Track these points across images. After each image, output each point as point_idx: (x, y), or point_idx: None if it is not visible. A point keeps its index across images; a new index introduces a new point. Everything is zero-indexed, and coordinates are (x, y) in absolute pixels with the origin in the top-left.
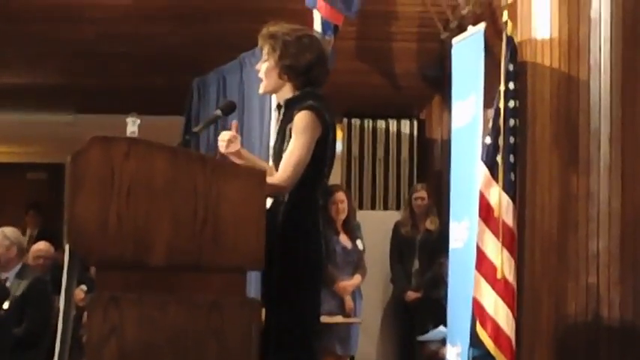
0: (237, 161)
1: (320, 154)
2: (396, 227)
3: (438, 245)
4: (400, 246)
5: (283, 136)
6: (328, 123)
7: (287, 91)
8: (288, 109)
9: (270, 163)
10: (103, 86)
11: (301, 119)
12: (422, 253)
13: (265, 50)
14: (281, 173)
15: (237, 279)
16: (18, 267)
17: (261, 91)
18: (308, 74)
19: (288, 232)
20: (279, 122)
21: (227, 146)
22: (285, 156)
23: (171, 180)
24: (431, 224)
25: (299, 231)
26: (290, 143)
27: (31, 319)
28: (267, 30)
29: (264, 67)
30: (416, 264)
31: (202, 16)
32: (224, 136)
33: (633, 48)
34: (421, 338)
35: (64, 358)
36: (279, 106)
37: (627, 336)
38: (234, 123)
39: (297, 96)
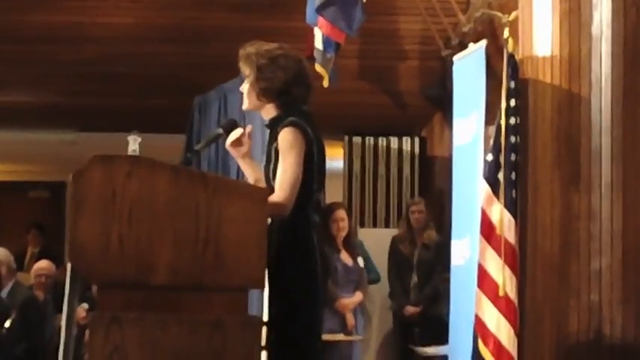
0: (241, 162)
1: (307, 170)
2: (394, 242)
3: (436, 260)
4: (398, 261)
5: (269, 156)
6: (311, 138)
7: (271, 110)
8: (273, 129)
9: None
10: (105, 105)
11: (284, 137)
12: (420, 268)
13: (244, 71)
14: (279, 192)
15: (239, 298)
16: (9, 286)
17: (243, 107)
18: (288, 94)
19: (281, 250)
20: (267, 142)
21: (231, 143)
22: (278, 176)
23: (173, 200)
24: (428, 238)
25: (292, 248)
26: (280, 162)
27: (29, 338)
28: (244, 51)
29: (245, 88)
30: (414, 279)
31: (203, 36)
32: (236, 134)
33: (635, 66)
34: (419, 349)
35: None
36: (267, 126)
37: (629, 355)
38: (249, 127)
39: (280, 115)
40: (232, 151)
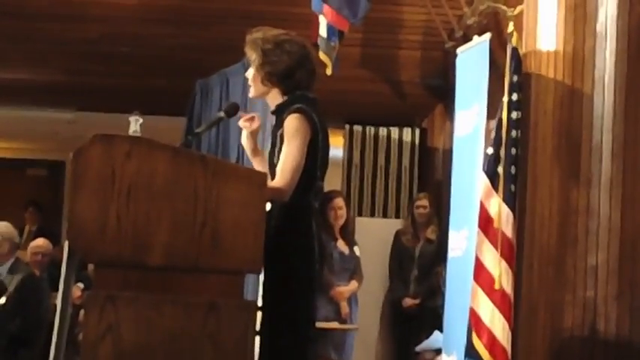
0: (248, 139)
1: (311, 157)
2: (397, 236)
3: (437, 255)
4: (400, 254)
5: (274, 142)
6: (317, 125)
7: (276, 96)
8: (278, 115)
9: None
10: (106, 85)
11: (290, 123)
12: (421, 262)
13: (250, 56)
14: (279, 178)
15: (234, 281)
16: (10, 262)
17: (250, 95)
18: (291, 79)
19: (281, 236)
20: (272, 128)
21: (248, 119)
22: (280, 161)
23: (171, 182)
24: (431, 234)
25: (290, 234)
26: (283, 148)
27: (24, 316)
28: (250, 36)
29: (250, 74)
30: (415, 272)
31: (207, 19)
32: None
33: (638, 64)
34: (418, 348)
35: (60, 356)
36: (273, 112)
37: (623, 351)
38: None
39: (286, 101)
40: (244, 125)
